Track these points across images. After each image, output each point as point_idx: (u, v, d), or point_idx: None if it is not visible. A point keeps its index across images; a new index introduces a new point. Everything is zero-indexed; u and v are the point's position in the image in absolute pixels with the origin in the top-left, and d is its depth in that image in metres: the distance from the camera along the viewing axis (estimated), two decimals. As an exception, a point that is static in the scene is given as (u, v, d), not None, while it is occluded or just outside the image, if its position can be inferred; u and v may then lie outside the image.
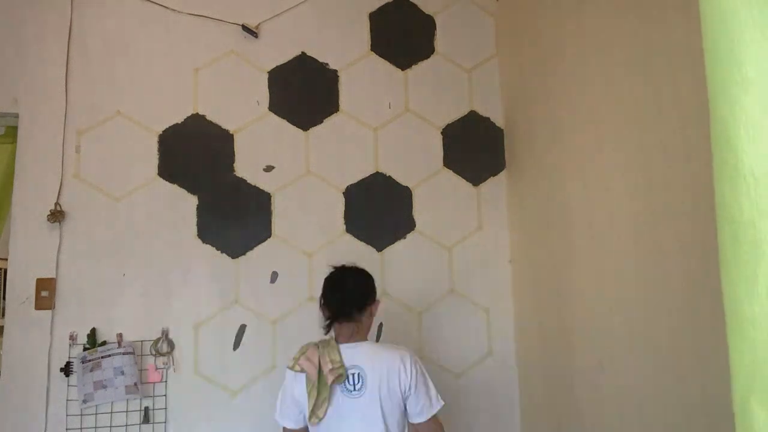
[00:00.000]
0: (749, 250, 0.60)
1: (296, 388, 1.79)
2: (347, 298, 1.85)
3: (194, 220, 2.49)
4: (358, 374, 1.77)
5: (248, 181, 2.56)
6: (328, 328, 1.86)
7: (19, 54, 2.44)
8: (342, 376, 1.75)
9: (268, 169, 2.58)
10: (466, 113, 2.82)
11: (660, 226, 1.70)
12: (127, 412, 2.31)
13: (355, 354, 1.79)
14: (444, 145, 2.77)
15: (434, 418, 1.84)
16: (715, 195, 0.68)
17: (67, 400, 2.26)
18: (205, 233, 2.49)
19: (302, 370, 1.76)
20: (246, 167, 2.56)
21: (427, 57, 2.82)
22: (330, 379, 1.72)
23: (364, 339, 1.88)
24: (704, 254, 1.49)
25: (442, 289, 2.68)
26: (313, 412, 1.72)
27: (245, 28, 2.62)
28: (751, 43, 0.61)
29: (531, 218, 2.57)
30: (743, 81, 0.60)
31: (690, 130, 1.56)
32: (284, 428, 1.84)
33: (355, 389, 1.76)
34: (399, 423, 1.80)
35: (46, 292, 2.31)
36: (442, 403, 1.85)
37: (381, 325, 2.56)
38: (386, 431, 1.75)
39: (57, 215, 2.34)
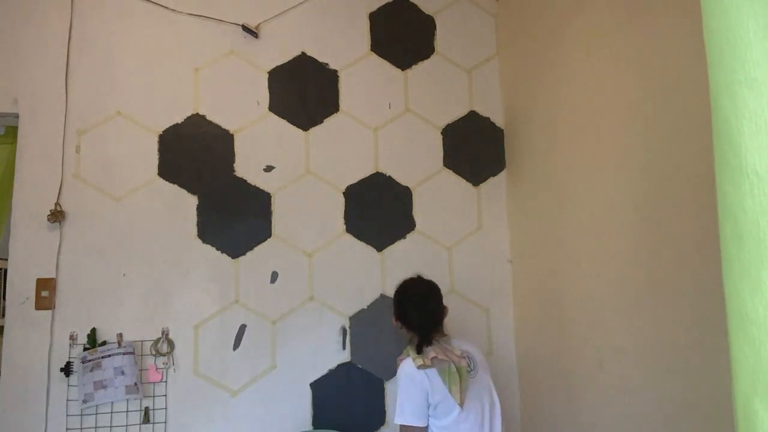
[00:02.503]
0: (753, 249, 0.60)
1: (429, 384, 1.88)
2: (437, 318, 2.05)
3: (194, 220, 2.49)
4: (469, 357, 1.99)
5: (248, 181, 2.55)
6: (424, 342, 1.97)
7: (19, 54, 2.44)
8: (466, 359, 1.95)
9: (268, 169, 2.58)
10: (466, 113, 2.82)
11: (660, 226, 1.70)
12: (127, 412, 2.31)
13: (457, 344, 2.01)
14: (444, 145, 2.77)
15: None
16: (717, 194, 0.68)
17: (67, 400, 2.26)
18: (205, 233, 2.49)
19: (432, 365, 1.88)
20: (246, 167, 2.56)
21: (427, 57, 2.82)
22: (463, 362, 1.91)
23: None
24: (706, 253, 1.49)
25: (442, 289, 2.66)
26: (460, 400, 1.85)
27: (245, 28, 2.62)
28: (755, 42, 0.61)
29: (531, 218, 2.57)
30: (747, 80, 0.60)
31: (691, 130, 1.56)
32: (411, 429, 1.88)
33: (471, 370, 1.97)
34: (496, 393, 2.02)
35: (46, 292, 2.31)
36: None
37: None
38: (497, 399, 2.00)
39: (57, 215, 2.34)
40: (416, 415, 1.87)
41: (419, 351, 1.94)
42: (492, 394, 1.99)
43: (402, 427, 1.89)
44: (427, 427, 1.89)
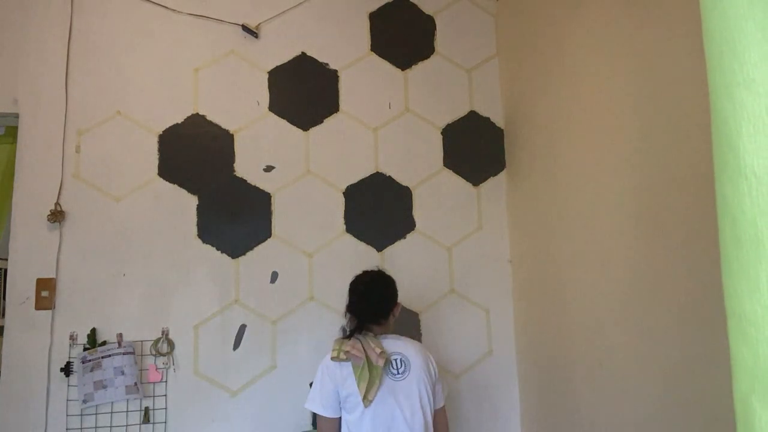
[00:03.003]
0: (751, 249, 0.60)
1: (340, 377, 1.89)
2: (376, 308, 2.01)
3: (194, 220, 2.49)
4: (401, 359, 1.95)
5: (248, 181, 2.56)
6: (356, 331, 1.97)
7: (19, 54, 2.44)
8: (388, 360, 1.91)
9: (268, 169, 2.58)
10: (466, 113, 2.82)
11: (660, 226, 1.70)
12: (127, 412, 2.31)
13: (392, 343, 1.98)
14: (444, 145, 2.78)
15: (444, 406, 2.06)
16: (716, 195, 0.68)
17: (67, 400, 2.26)
18: (205, 233, 2.49)
19: (347, 359, 1.87)
20: (246, 167, 2.56)
21: (427, 57, 2.82)
22: (381, 362, 1.87)
23: (391, 331, 2.07)
24: (705, 254, 1.49)
25: (442, 289, 2.68)
26: (365, 396, 1.84)
27: (245, 28, 2.62)
28: (753, 44, 0.61)
29: (531, 218, 2.57)
30: (745, 81, 0.60)
31: (690, 130, 1.56)
32: (321, 418, 1.91)
33: (399, 372, 1.93)
34: (429, 404, 1.95)
35: (46, 292, 2.31)
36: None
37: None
38: (423, 409, 1.92)
39: (57, 215, 2.34)
40: (324, 405, 1.89)
41: (351, 335, 1.95)
42: (419, 403, 1.90)
43: (315, 414, 1.95)
44: (339, 419, 1.90)
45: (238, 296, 2.48)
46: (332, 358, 1.89)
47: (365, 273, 2.10)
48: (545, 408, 2.43)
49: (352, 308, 2.01)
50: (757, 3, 0.60)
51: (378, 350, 1.89)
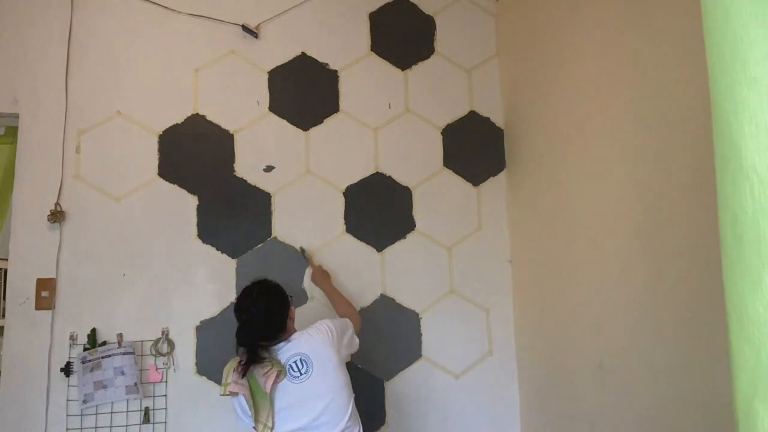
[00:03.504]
0: (753, 249, 0.60)
1: (242, 404, 1.89)
2: (266, 332, 1.94)
3: (194, 220, 2.49)
4: (301, 359, 1.91)
5: (248, 181, 2.55)
6: (249, 363, 1.88)
7: (19, 54, 2.44)
8: (282, 371, 1.88)
9: (268, 169, 2.58)
10: (466, 113, 2.82)
11: (660, 226, 1.70)
12: (127, 412, 2.31)
13: (290, 347, 1.93)
14: (444, 145, 2.77)
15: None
16: (717, 194, 0.68)
17: (67, 400, 2.26)
18: (205, 233, 2.49)
19: (234, 394, 1.87)
20: (246, 167, 2.56)
21: (427, 57, 2.82)
22: (269, 383, 1.84)
23: (292, 333, 2.01)
24: (705, 254, 1.49)
25: (442, 289, 2.67)
26: (260, 424, 1.84)
27: (245, 28, 2.62)
28: (755, 42, 0.61)
29: (531, 218, 2.57)
30: (747, 80, 0.60)
31: (691, 129, 1.56)
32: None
33: (301, 374, 1.89)
34: (346, 386, 1.95)
35: (46, 292, 2.31)
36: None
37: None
38: (336, 398, 1.90)
39: (57, 215, 2.34)
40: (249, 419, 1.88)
41: (244, 368, 1.87)
42: (330, 393, 1.90)
43: None
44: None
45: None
46: (221, 395, 1.90)
47: (245, 296, 2.00)
48: (545, 408, 2.43)
49: (241, 340, 1.90)
50: (758, 1, 0.60)
51: (264, 370, 1.85)
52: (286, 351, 1.93)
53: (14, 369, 2.26)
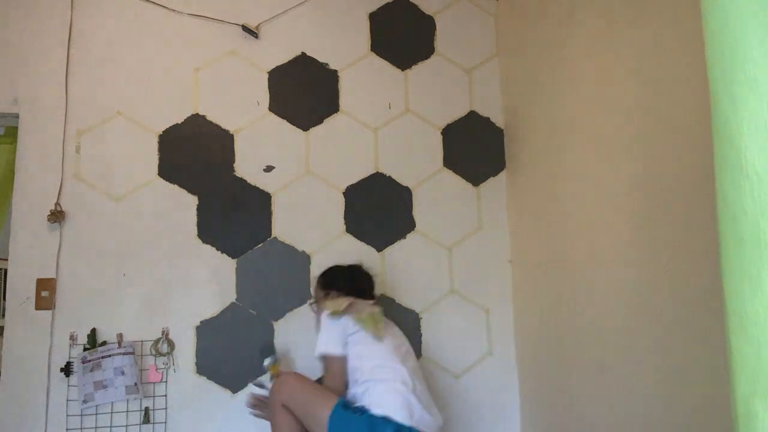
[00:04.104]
0: (753, 249, 0.60)
1: (344, 323, 2.14)
2: (367, 287, 2.36)
3: (194, 220, 2.49)
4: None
5: (248, 181, 2.55)
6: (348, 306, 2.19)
7: (19, 54, 2.44)
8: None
9: (268, 169, 2.58)
10: (466, 113, 2.82)
11: (660, 226, 1.70)
12: (127, 412, 2.31)
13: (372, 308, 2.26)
14: (444, 145, 2.77)
15: None
16: (717, 194, 0.68)
17: (67, 400, 2.26)
18: (205, 233, 2.49)
19: (346, 313, 2.13)
20: (246, 167, 2.56)
21: (427, 57, 2.82)
22: (375, 309, 2.20)
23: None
24: (706, 253, 1.49)
25: (442, 289, 2.67)
26: (375, 334, 2.11)
27: (245, 28, 2.62)
28: (754, 42, 0.61)
29: (531, 218, 2.57)
30: (747, 80, 0.60)
31: (691, 130, 1.56)
32: (332, 359, 2.11)
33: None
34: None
35: (46, 292, 2.31)
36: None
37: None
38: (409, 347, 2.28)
39: (57, 215, 2.34)
40: (335, 346, 2.11)
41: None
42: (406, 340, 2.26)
43: (323, 357, 2.14)
44: (345, 357, 2.11)
45: (238, 296, 2.48)
46: (331, 314, 2.12)
47: (351, 266, 2.40)
48: (545, 408, 2.43)
49: (346, 287, 2.26)
50: (758, 1, 0.60)
51: (368, 307, 2.18)
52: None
53: (14, 369, 2.26)
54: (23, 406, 2.24)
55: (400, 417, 1.95)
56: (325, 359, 2.14)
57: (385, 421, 1.94)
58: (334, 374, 2.11)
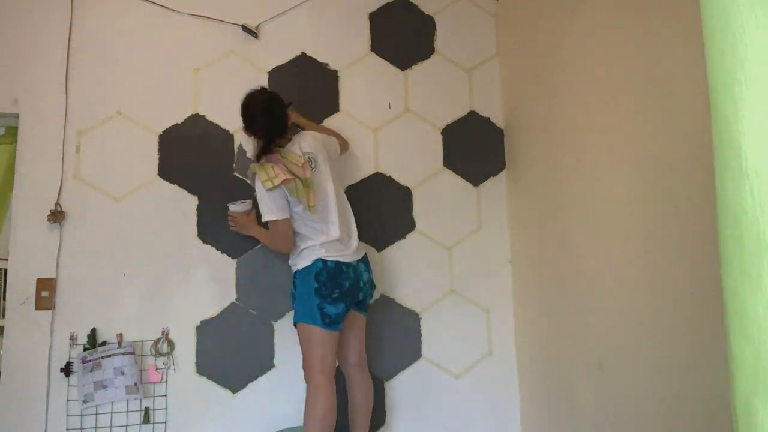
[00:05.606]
0: (753, 249, 0.60)
1: (283, 192, 2.16)
2: (279, 123, 2.26)
3: (194, 220, 2.49)
4: (309, 157, 2.24)
5: (248, 182, 2.55)
6: (265, 151, 2.21)
7: (19, 54, 2.44)
8: (309, 161, 2.22)
9: (268, 169, 2.58)
10: (466, 113, 2.82)
11: (660, 226, 1.70)
12: (127, 412, 2.31)
13: (298, 147, 2.26)
14: (444, 145, 2.77)
15: None
16: (717, 194, 0.68)
17: (67, 400, 2.26)
18: (205, 233, 2.49)
19: (280, 185, 2.12)
20: (246, 167, 2.56)
21: (427, 57, 2.82)
22: (308, 172, 2.18)
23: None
24: (706, 253, 1.49)
25: (442, 289, 2.67)
26: (309, 205, 2.17)
27: (245, 28, 2.62)
28: (754, 41, 0.61)
29: (531, 218, 2.57)
30: (746, 79, 0.60)
31: (691, 129, 1.56)
32: (277, 223, 2.18)
33: (313, 169, 2.24)
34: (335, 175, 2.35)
35: (46, 292, 2.31)
36: None
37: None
38: (335, 185, 2.32)
39: (57, 215, 2.34)
40: (282, 210, 2.17)
41: (260, 156, 2.20)
42: (332, 183, 2.28)
43: (271, 223, 2.20)
44: (290, 218, 2.20)
45: (238, 296, 2.48)
46: (269, 190, 2.12)
47: (259, 93, 2.29)
48: (545, 408, 2.43)
49: (258, 127, 2.23)
50: (758, 1, 0.60)
51: (299, 162, 2.17)
52: (301, 146, 2.26)
53: (14, 369, 2.26)
54: (23, 406, 2.24)
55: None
56: (272, 223, 2.21)
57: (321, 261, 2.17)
58: (283, 234, 2.20)
